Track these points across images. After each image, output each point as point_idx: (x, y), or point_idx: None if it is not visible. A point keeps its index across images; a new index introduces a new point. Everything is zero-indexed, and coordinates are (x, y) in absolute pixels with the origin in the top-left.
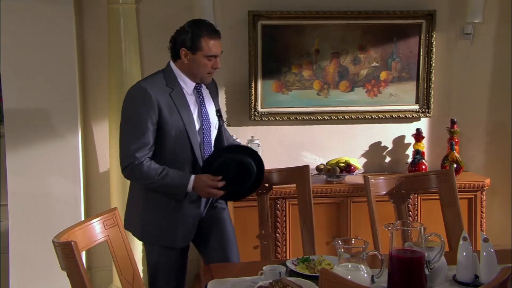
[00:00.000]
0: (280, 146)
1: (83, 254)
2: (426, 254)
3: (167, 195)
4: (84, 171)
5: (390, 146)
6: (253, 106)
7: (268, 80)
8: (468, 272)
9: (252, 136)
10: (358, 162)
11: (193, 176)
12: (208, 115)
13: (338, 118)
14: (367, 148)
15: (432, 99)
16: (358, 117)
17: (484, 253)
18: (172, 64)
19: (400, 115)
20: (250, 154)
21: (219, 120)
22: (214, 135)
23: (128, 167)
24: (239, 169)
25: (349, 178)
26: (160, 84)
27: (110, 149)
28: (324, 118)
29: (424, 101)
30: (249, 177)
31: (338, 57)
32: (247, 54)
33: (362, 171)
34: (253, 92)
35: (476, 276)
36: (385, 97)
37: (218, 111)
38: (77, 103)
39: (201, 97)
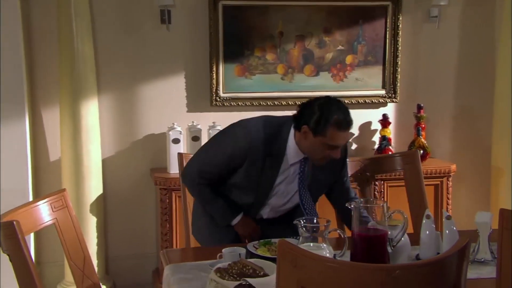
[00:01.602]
0: None
1: (32, 248)
2: (389, 232)
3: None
4: (32, 160)
5: (356, 132)
6: (214, 91)
7: (230, 64)
8: (430, 250)
9: (213, 122)
10: None
11: (240, 216)
12: (294, 195)
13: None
14: None
15: (398, 84)
16: None
17: (447, 231)
18: (293, 127)
19: (367, 100)
20: None
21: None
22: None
23: (188, 180)
24: None
25: None
26: (264, 145)
27: (62, 136)
28: (288, 103)
29: (390, 85)
30: None
31: (302, 40)
32: (207, 36)
33: None
34: (214, 76)
35: (439, 254)
36: (351, 81)
37: (309, 185)
38: (24, 86)
39: (301, 173)
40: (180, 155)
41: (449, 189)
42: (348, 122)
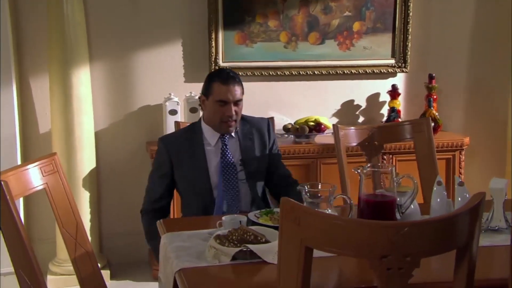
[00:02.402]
0: (244, 104)
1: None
2: (397, 199)
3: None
4: (21, 132)
5: (363, 104)
6: (213, 60)
7: (229, 31)
8: None
9: None
10: (329, 122)
11: None
12: (235, 167)
13: (307, 73)
14: (338, 107)
15: (409, 53)
16: (329, 73)
17: (459, 198)
18: (202, 116)
19: (375, 70)
20: None
21: (245, 172)
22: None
23: (143, 219)
24: None
25: (319, 138)
26: (181, 137)
27: (51, 107)
28: (292, 73)
29: (400, 54)
30: None
31: (307, 5)
32: (206, 1)
33: (333, 131)
34: (213, 44)
35: None
36: (358, 50)
37: (241, 161)
38: (11, 54)
39: (225, 148)
40: (177, 124)
41: (461, 163)
42: (229, 75)
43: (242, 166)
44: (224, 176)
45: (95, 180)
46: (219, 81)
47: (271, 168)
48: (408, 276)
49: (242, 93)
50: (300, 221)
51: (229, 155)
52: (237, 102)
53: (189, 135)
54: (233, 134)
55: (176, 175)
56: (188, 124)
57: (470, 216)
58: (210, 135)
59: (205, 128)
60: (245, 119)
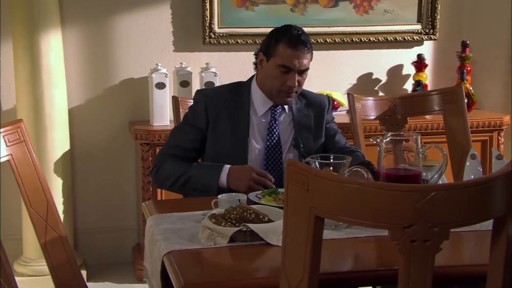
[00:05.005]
0: (243, 77)
1: None
2: (423, 174)
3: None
4: None
5: (384, 78)
6: (208, 25)
7: None
8: None
9: (206, 64)
10: (343, 98)
11: (228, 166)
12: (280, 147)
13: (317, 41)
14: (354, 81)
15: (438, 17)
16: (344, 41)
17: None
18: (254, 76)
19: (398, 38)
20: None
21: (299, 151)
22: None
23: (154, 169)
24: None
25: None
26: (224, 94)
27: (16, 79)
28: None
29: (428, 19)
30: None
31: None
32: None
33: (348, 108)
34: (207, 7)
35: None
36: (378, 14)
37: (295, 140)
38: None
39: (274, 123)
40: (175, 99)
41: (500, 145)
42: (300, 38)
43: (295, 146)
44: (267, 156)
45: (68, 166)
46: (286, 43)
47: (327, 145)
48: (435, 250)
49: (310, 61)
50: (308, 186)
51: (275, 133)
52: (303, 72)
53: (234, 95)
54: (286, 108)
55: (209, 136)
56: (233, 82)
57: (509, 181)
58: (259, 102)
59: (256, 92)
60: (302, 93)
